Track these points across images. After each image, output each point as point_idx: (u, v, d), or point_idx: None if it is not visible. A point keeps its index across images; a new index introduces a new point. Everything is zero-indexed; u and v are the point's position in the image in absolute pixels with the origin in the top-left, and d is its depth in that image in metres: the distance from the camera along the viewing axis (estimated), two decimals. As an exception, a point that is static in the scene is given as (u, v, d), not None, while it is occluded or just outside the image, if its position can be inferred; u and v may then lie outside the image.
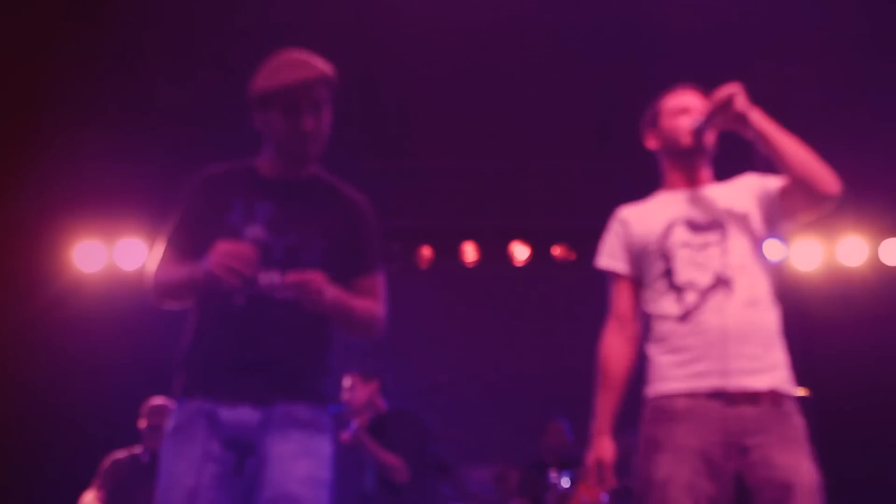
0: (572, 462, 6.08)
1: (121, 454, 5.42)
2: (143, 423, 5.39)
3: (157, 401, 5.43)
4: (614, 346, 2.97)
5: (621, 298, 3.01)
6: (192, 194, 2.74)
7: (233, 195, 2.68)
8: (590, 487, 5.61)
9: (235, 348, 2.57)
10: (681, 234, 2.89)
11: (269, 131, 2.70)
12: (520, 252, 7.54)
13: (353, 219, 2.76)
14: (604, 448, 2.89)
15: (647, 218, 2.98)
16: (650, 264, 2.92)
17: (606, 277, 3.05)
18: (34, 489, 6.80)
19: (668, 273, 2.87)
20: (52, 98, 6.38)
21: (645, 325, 2.95)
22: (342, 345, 2.77)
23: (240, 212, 2.65)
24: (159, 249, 2.75)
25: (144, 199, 6.59)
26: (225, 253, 2.47)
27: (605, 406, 2.94)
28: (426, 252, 7.56)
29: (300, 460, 2.53)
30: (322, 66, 2.64)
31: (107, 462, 5.39)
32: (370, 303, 2.73)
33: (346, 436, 4.90)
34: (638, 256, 2.96)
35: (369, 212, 2.81)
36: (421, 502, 5.05)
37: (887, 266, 7.32)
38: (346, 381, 5.22)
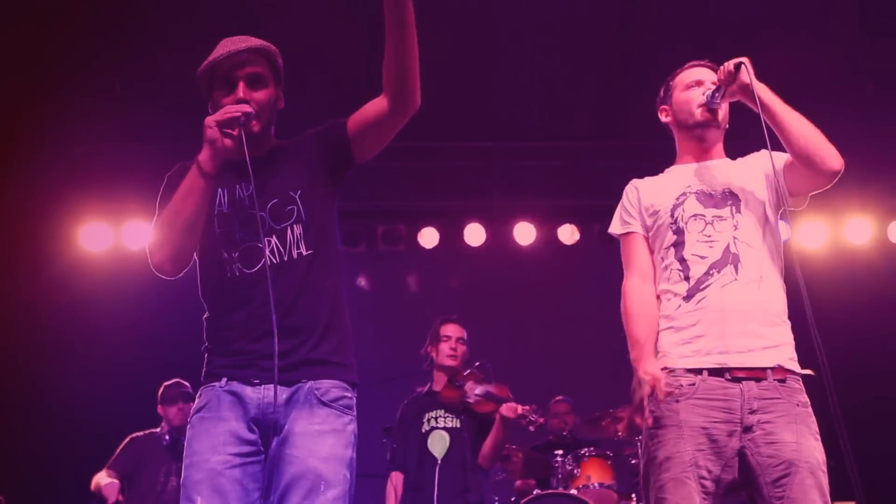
0: (577, 442, 6.10)
1: (139, 434, 5.47)
2: (160, 407, 5.48)
3: (180, 381, 5.51)
4: (643, 293, 2.91)
5: (641, 254, 2.97)
6: (170, 189, 2.72)
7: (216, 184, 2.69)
8: (594, 467, 5.63)
9: (259, 327, 2.58)
10: (692, 207, 2.90)
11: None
12: (525, 232, 7.54)
13: (310, 140, 2.75)
14: (652, 366, 2.76)
15: (659, 189, 2.99)
16: (660, 235, 2.92)
17: (622, 241, 3.03)
18: (41, 469, 6.84)
19: (678, 245, 2.87)
20: (57, 78, 6.37)
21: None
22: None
23: (226, 198, 2.68)
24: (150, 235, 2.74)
25: (151, 180, 6.58)
26: (213, 116, 2.55)
27: (644, 335, 2.84)
28: (431, 232, 7.56)
29: (324, 438, 2.54)
30: (254, 41, 2.68)
31: (125, 442, 5.45)
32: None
33: (512, 410, 4.59)
34: (649, 227, 2.97)
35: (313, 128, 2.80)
36: (485, 487, 4.85)
37: (894, 244, 7.32)
38: (457, 330, 5.00)
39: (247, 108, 2.58)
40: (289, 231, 2.63)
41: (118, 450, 5.47)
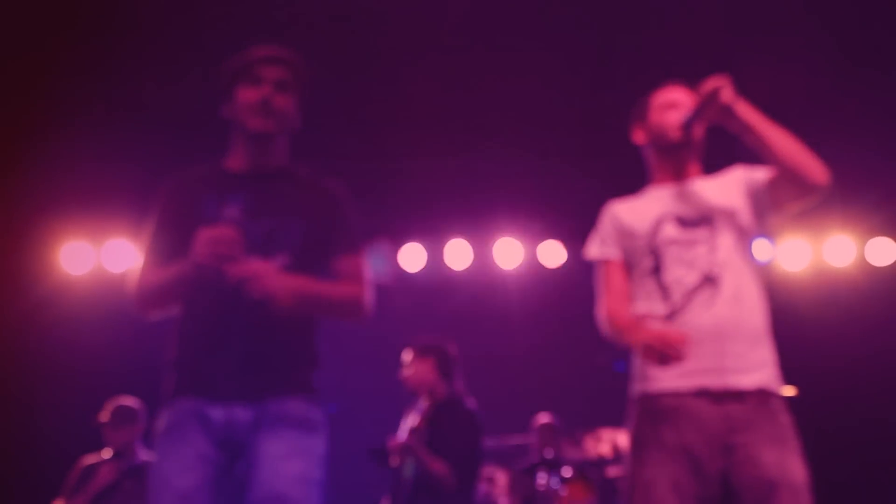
0: (562, 463, 6.08)
1: (91, 459, 5.36)
2: (104, 417, 5.32)
3: (126, 401, 5.39)
4: (620, 307, 2.89)
5: (617, 279, 2.96)
6: (163, 201, 2.76)
7: (203, 193, 2.70)
8: (578, 488, 5.62)
9: (224, 345, 2.57)
10: (669, 231, 2.89)
11: (234, 114, 2.74)
12: (510, 253, 7.53)
13: (327, 201, 2.77)
14: (649, 329, 2.68)
15: (636, 213, 2.98)
16: (638, 260, 2.92)
17: (598, 266, 3.03)
18: (16, 493, 6.77)
19: (656, 270, 2.87)
20: (38, 98, 6.35)
21: None
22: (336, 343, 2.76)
23: (213, 205, 2.65)
24: (139, 260, 2.75)
25: (132, 199, 6.58)
26: (208, 240, 2.48)
27: (632, 322, 2.80)
28: (413, 252, 7.54)
29: (292, 460, 2.52)
30: (288, 52, 2.75)
31: (77, 468, 5.33)
32: (349, 286, 2.71)
33: (394, 443, 4.63)
34: (627, 250, 2.96)
35: (344, 194, 2.82)
36: None
37: (873, 266, 7.36)
38: (406, 356, 4.95)
39: (226, 250, 2.49)
40: (276, 259, 2.61)
41: (71, 477, 5.33)
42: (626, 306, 2.90)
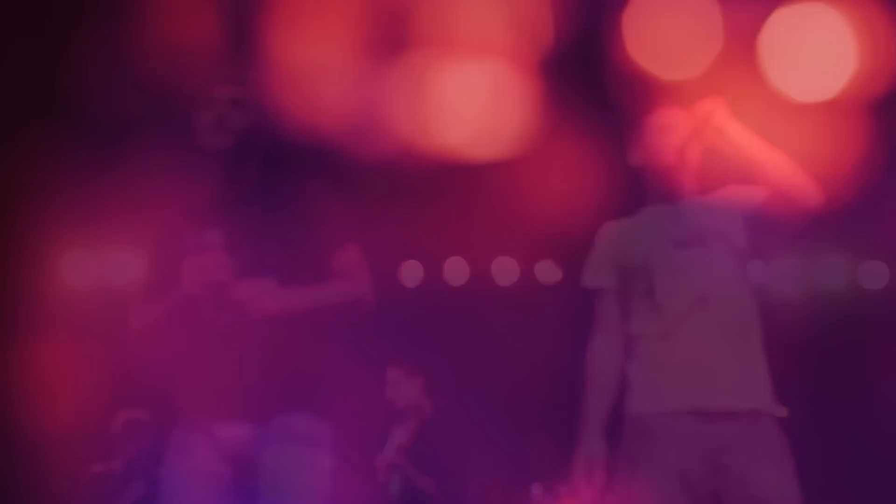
0: (556, 477, 6.09)
1: (96, 468, 5.37)
2: (114, 429, 5.34)
3: (136, 414, 5.40)
4: (605, 353, 2.95)
5: (610, 310, 2.99)
6: (152, 241, 2.79)
7: (181, 226, 2.70)
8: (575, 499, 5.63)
9: (230, 366, 2.60)
10: (664, 252, 2.92)
11: (198, 139, 2.74)
12: (506, 270, 7.55)
13: (302, 203, 2.76)
14: (593, 446, 2.85)
15: (632, 235, 3.01)
16: (634, 282, 2.94)
17: (593, 294, 3.05)
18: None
19: (651, 291, 2.89)
20: (38, 102, 6.34)
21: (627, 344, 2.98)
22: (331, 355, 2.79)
23: (192, 236, 2.65)
24: (133, 305, 2.77)
25: (135, 209, 6.56)
26: (195, 269, 2.53)
27: (596, 408, 2.89)
28: (411, 269, 7.56)
29: (296, 474, 2.56)
30: (245, 70, 2.81)
31: (83, 479, 5.33)
32: (345, 282, 2.70)
33: (381, 462, 4.73)
34: (623, 273, 2.99)
35: (317, 188, 2.81)
36: None
37: (866, 289, 7.38)
38: (392, 374, 5.00)
39: (221, 284, 2.56)
40: None
41: (79, 489, 5.35)
42: (610, 356, 2.94)
